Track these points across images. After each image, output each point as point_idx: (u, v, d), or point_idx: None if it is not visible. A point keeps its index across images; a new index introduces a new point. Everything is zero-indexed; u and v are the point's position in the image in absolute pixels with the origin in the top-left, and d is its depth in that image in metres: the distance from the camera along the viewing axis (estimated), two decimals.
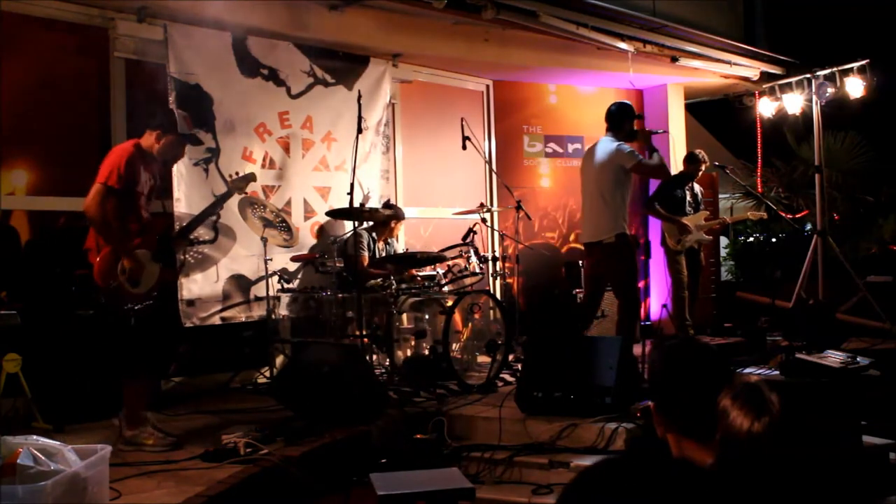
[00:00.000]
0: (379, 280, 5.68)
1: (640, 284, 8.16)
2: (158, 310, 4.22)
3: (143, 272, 4.07)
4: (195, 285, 5.60)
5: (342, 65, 6.47)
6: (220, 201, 4.82)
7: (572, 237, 8.08)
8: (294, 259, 5.91)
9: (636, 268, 5.46)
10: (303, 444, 3.99)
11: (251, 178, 4.85)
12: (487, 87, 7.85)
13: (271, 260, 5.64)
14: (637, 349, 4.91)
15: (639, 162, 5.21)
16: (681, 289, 6.88)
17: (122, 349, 4.09)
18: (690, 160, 7.05)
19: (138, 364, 4.11)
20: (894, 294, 7.37)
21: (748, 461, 1.11)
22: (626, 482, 0.84)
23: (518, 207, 6.72)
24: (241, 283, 5.86)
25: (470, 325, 5.81)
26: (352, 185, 5.32)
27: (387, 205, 6.34)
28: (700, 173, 7.09)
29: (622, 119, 5.37)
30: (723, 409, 1.17)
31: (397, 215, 6.22)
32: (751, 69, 8.05)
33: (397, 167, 7.04)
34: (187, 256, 5.56)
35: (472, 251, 5.99)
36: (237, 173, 5.13)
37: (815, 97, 7.59)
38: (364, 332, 5.31)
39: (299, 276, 6.03)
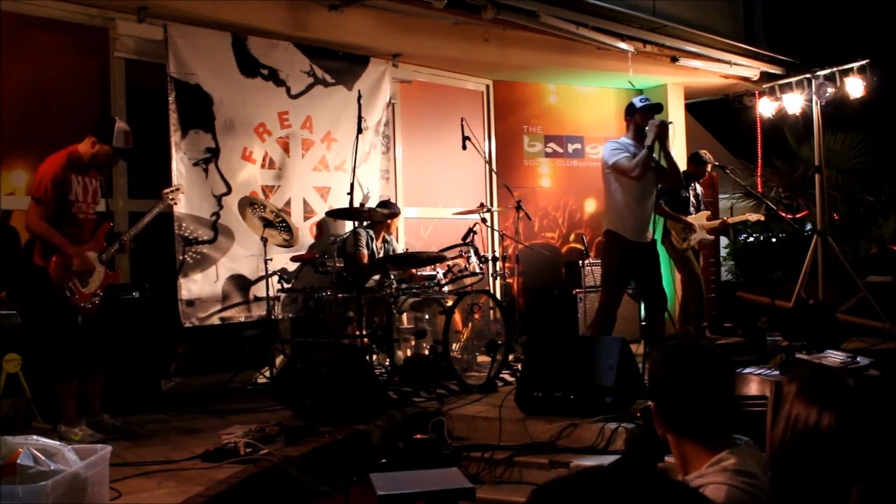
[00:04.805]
0: (377, 277, 5.68)
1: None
2: (104, 310, 4.37)
3: (92, 273, 4.26)
4: (195, 285, 5.60)
5: (342, 65, 6.47)
6: (149, 214, 4.67)
7: (572, 237, 8.07)
8: (294, 259, 5.91)
9: (613, 268, 5.24)
10: (303, 444, 4.00)
11: (181, 189, 4.98)
12: (487, 87, 7.85)
13: (271, 260, 5.63)
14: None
15: (615, 161, 5.04)
16: (697, 282, 6.79)
17: (58, 351, 4.19)
18: (695, 161, 7.05)
19: (70, 366, 4.21)
20: (894, 294, 7.38)
21: (812, 457, 1.05)
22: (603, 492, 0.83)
23: (518, 207, 6.73)
24: (240, 283, 5.86)
25: (470, 325, 5.81)
26: (352, 185, 5.33)
27: (382, 203, 6.32)
28: (706, 174, 7.09)
29: (624, 117, 5.24)
30: (785, 394, 1.11)
31: (393, 212, 6.23)
32: (751, 69, 8.04)
33: (397, 167, 7.04)
34: (186, 257, 5.56)
35: (472, 251, 5.98)
36: (168, 185, 5.17)
37: (815, 97, 7.58)
38: (364, 332, 5.30)
39: (299, 276, 6.03)
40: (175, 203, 5.09)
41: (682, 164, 7.37)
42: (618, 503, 0.82)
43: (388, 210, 6.14)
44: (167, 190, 4.80)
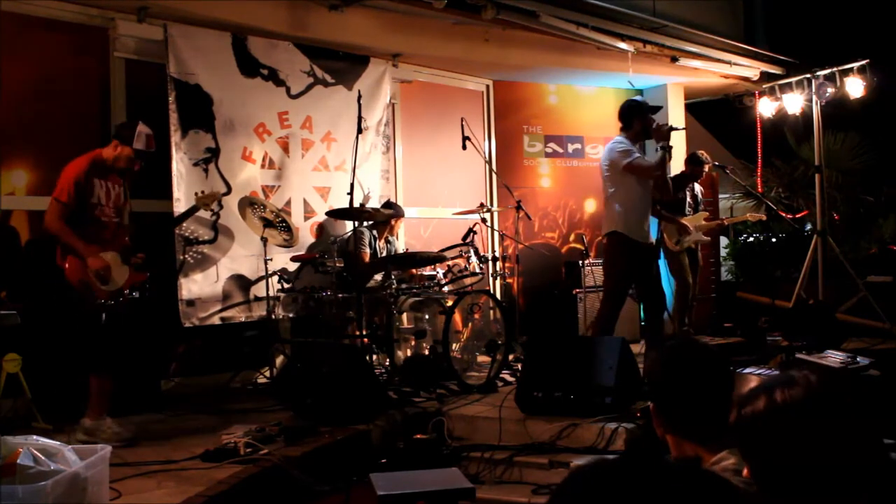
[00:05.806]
0: (379, 277, 5.68)
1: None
2: (132, 309, 4.37)
3: (111, 272, 4.25)
4: (195, 285, 5.60)
5: (342, 65, 6.47)
6: (185, 216, 4.91)
7: (572, 237, 8.08)
8: (294, 259, 5.91)
9: (621, 270, 5.16)
10: (303, 444, 4.00)
11: (218, 196, 4.99)
12: (487, 87, 7.85)
13: (271, 260, 5.63)
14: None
15: (630, 161, 4.98)
16: (686, 289, 6.83)
17: (91, 345, 4.19)
18: (693, 161, 7.04)
19: (105, 359, 4.20)
20: (894, 294, 7.38)
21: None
22: (625, 483, 0.84)
23: (518, 207, 6.73)
24: (240, 283, 5.86)
25: (470, 325, 5.81)
26: (352, 185, 5.33)
27: (387, 204, 6.35)
28: (703, 174, 7.09)
29: (630, 117, 5.12)
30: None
31: (397, 213, 6.24)
32: (751, 69, 8.05)
33: (397, 167, 7.04)
34: (187, 256, 5.56)
35: (472, 251, 5.99)
36: (202, 192, 5.22)
37: (815, 97, 7.58)
38: (364, 332, 5.31)
39: (299, 276, 6.02)
40: (211, 211, 5.16)
41: (681, 165, 7.39)
42: (652, 489, 0.83)
43: (392, 210, 6.14)
44: (201, 196, 4.88)
